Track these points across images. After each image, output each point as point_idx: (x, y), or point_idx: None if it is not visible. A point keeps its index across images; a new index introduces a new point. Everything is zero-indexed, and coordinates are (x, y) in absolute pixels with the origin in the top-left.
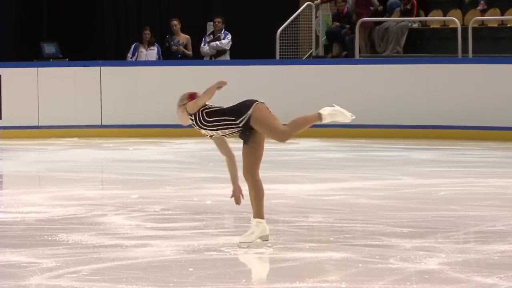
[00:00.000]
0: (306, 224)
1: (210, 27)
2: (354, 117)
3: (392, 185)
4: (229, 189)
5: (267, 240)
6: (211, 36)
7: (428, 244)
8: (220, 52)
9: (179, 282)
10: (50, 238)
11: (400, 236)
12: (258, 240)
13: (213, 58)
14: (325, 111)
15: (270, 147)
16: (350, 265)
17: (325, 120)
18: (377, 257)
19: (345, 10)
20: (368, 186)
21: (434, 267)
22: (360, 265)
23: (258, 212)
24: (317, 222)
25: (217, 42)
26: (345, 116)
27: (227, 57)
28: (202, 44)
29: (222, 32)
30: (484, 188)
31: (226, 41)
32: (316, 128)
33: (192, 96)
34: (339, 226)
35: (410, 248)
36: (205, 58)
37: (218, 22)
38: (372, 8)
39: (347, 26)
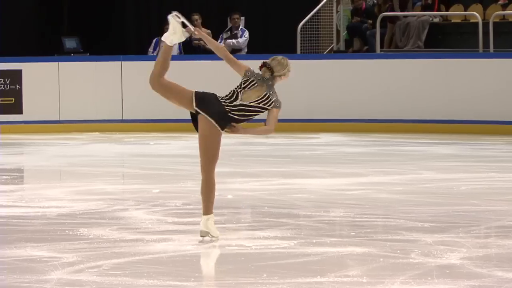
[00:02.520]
0: (327, 219)
1: (230, 22)
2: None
3: (413, 180)
4: (250, 184)
5: (204, 236)
6: (228, 32)
7: (450, 238)
8: (236, 50)
9: (200, 276)
10: (71, 233)
11: (421, 230)
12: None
13: None
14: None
15: (292, 142)
16: (371, 259)
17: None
18: (398, 251)
19: (364, 6)
20: (389, 180)
21: (455, 262)
22: (382, 259)
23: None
24: (338, 216)
25: (234, 40)
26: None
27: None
28: (219, 41)
29: (240, 29)
30: (505, 182)
31: (242, 40)
32: (337, 122)
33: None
34: (360, 220)
35: (432, 242)
36: None
37: (236, 18)
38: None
39: (369, 21)
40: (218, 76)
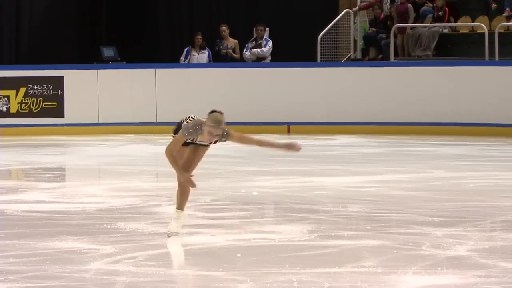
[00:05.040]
0: (344, 214)
1: (255, 32)
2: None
3: (424, 178)
4: (273, 182)
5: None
6: (253, 42)
7: (458, 232)
8: (260, 58)
9: (228, 267)
10: (109, 227)
11: (432, 224)
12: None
13: None
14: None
15: (312, 143)
16: (385, 251)
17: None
18: (411, 244)
19: (382, 16)
20: (402, 178)
21: (463, 254)
22: (395, 251)
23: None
24: (355, 212)
25: (258, 50)
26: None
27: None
28: (244, 50)
29: (264, 39)
30: (510, 180)
31: (266, 49)
32: (354, 125)
33: None
34: (376, 215)
35: (441, 236)
36: None
37: (261, 30)
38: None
39: (383, 32)
40: (245, 83)
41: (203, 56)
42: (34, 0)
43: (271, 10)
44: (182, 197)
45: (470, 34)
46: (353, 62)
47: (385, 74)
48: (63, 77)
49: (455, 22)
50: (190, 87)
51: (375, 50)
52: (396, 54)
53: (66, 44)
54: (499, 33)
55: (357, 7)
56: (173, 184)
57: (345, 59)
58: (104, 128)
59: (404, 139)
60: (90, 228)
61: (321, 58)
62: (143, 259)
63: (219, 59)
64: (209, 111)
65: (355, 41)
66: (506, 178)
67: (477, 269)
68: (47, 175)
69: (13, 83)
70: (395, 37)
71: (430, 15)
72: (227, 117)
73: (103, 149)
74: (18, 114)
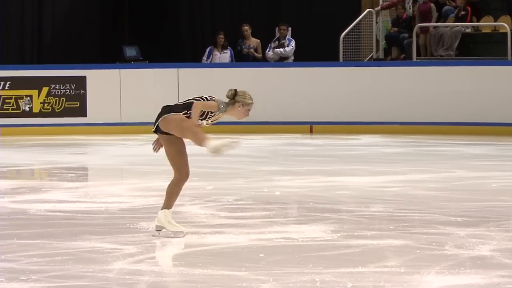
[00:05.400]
0: (367, 214)
1: (278, 32)
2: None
3: (446, 178)
4: (296, 181)
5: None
6: (276, 42)
7: (481, 232)
8: (283, 58)
9: (250, 266)
10: (131, 226)
11: (455, 224)
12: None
13: None
14: (211, 146)
15: (334, 143)
16: (408, 251)
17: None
18: (434, 244)
19: (404, 16)
20: (424, 178)
21: (486, 253)
22: (418, 251)
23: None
24: (377, 211)
25: (281, 49)
26: (229, 147)
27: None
28: (267, 50)
29: (287, 38)
30: None
31: (289, 48)
32: (377, 125)
33: None
34: (398, 215)
35: (464, 235)
36: None
37: (283, 29)
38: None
39: (406, 32)
40: (267, 83)
41: (225, 55)
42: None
43: (293, 9)
44: (176, 197)
45: (493, 34)
46: (376, 61)
47: (408, 73)
48: (85, 76)
49: (477, 21)
50: (212, 86)
51: (397, 50)
52: (418, 54)
53: (89, 44)
54: None
55: (379, 7)
56: (197, 183)
57: (367, 58)
58: (126, 128)
59: (427, 139)
60: (112, 228)
61: (343, 57)
62: (166, 258)
63: (241, 58)
64: (229, 91)
65: (377, 41)
66: None
67: (501, 269)
68: (70, 174)
69: (36, 83)
70: (417, 36)
71: (452, 15)
72: (251, 117)
73: (125, 149)
74: (40, 114)
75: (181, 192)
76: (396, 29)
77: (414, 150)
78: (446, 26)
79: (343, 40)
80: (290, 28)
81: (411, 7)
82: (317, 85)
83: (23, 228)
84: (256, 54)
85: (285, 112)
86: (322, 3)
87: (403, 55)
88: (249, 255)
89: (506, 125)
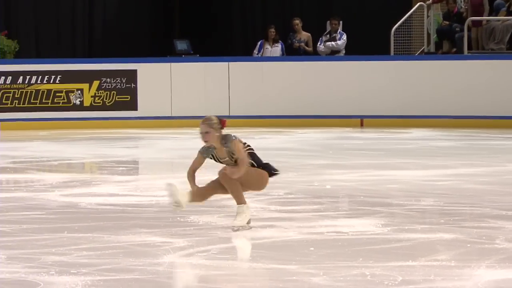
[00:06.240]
0: (418, 207)
1: (329, 26)
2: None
3: (498, 172)
4: (346, 175)
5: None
6: (328, 36)
7: None
8: (334, 51)
9: (301, 260)
10: (182, 220)
11: (506, 218)
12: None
13: None
14: None
15: (385, 136)
16: (459, 245)
17: None
18: (484, 238)
19: (455, 10)
20: (476, 172)
21: None
22: (469, 245)
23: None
24: (428, 205)
25: (333, 43)
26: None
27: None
28: (319, 44)
29: (338, 32)
30: None
31: (341, 42)
32: (428, 118)
33: (224, 123)
34: (449, 209)
35: None
36: None
37: (335, 24)
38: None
39: (457, 25)
40: (318, 77)
41: (276, 49)
42: None
43: (344, 3)
44: (240, 191)
45: None
46: (427, 55)
47: (459, 67)
48: (136, 70)
49: None
50: (263, 80)
51: (448, 44)
52: (469, 48)
53: (140, 38)
54: None
55: (430, 0)
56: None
57: (418, 52)
58: (177, 122)
59: (478, 133)
60: (163, 221)
61: (394, 51)
62: (216, 252)
63: (292, 52)
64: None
65: (428, 35)
66: None
67: None
68: (120, 168)
69: (87, 76)
70: (469, 30)
71: (503, 9)
72: (302, 111)
73: (176, 143)
74: (91, 108)
75: None
76: (447, 22)
77: (465, 144)
78: (498, 20)
79: (394, 34)
80: (341, 22)
81: (462, 1)
82: (368, 79)
83: (73, 222)
84: (306, 48)
85: (336, 106)
86: None
87: (454, 49)
88: (299, 248)
89: None
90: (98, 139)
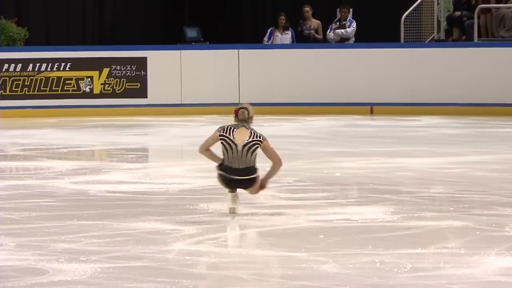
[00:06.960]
0: (428, 195)
1: (339, 13)
2: None
3: (508, 159)
4: (356, 163)
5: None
6: (337, 23)
7: None
8: (344, 39)
9: (310, 247)
10: (191, 207)
11: None
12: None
13: None
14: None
15: (395, 124)
16: (468, 232)
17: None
18: (494, 225)
19: None
20: (485, 160)
21: None
22: (478, 232)
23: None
24: (438, 193)
25: (342, 30)
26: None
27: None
28: (328, 31)
29: (348, 20)
30: None
31: (350, 30)
32: (438, 106)
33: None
34: (459, 196)
35: None
36: None
37: (345, 11)
38: None
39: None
40: (328, 64)
41: (287, 36)
42: None
43: None
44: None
45: None
46: (437, 42)
47: (469, 54)
48: (146, 57)
49: None
50: (273, 67)
51: (458, 31)
52: (479, 35)
53: (150, 25)
54: None
55: None
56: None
57: (428, 39)
58: (187, 109)
59: (488, 120)
60: (172, 209)
61: (404, 39)
62: (225, 239)
63: (302, 39)
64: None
65: (438, 22)
66: None
67: None
68: (130, 155)
69: (97, 64)
70: (478, 17)
71: None
72: (311, 98)
73: (186, 130)
74: (101, 95)
75: None
76: (459, 13)
77: (474, 132)
78: (508, 7)
79: (404, 21)
80: (351, 9)
81: None
82: (378, 66)
83: (83, 209)
84: (316, 35)
85: (345, 93)
86: None
87: (464, 36)
88: (309, 236)
89: None
90: (108, 126)
